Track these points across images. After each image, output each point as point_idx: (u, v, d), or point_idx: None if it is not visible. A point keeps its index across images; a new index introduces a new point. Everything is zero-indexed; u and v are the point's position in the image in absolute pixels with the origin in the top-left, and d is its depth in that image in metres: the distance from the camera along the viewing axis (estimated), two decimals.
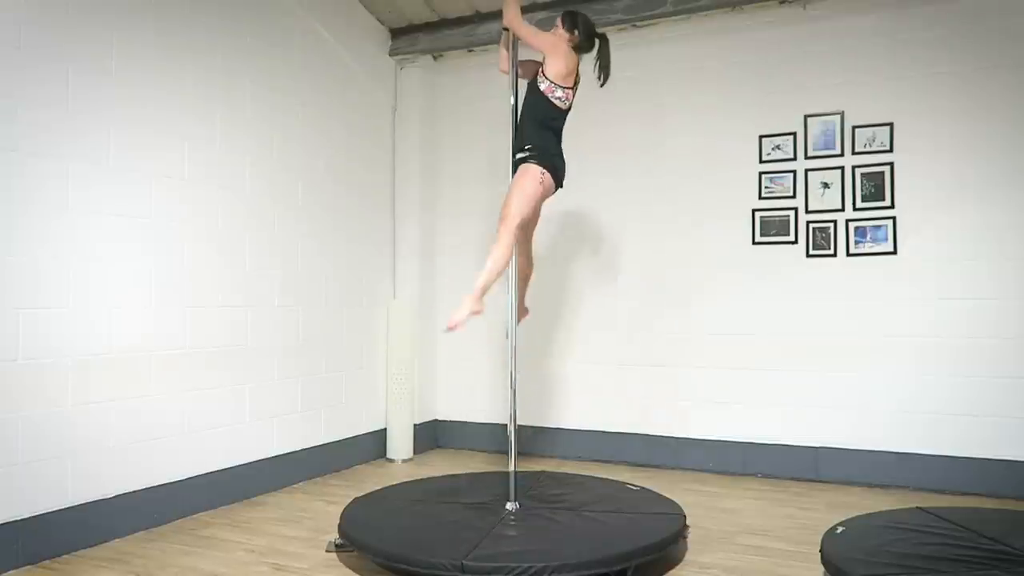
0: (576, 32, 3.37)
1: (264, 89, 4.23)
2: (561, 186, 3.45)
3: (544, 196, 3.39)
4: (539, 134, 3.35)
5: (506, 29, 3.46)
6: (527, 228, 3.55)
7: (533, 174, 3.30)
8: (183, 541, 3.34)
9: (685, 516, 3.25)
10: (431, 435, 5.40)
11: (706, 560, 3.08)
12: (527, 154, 3.33)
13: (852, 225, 4.34)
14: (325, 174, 4.69)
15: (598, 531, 3.06)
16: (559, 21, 3.40)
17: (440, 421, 5.46)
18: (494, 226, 3.29)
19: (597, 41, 3.43)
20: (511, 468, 3.37)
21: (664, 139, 4.82)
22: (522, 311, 3.71)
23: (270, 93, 4.27)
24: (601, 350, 4.95)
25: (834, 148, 4.40)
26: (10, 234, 2.99)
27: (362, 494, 3.70)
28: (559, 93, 3.32)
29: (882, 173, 4.29)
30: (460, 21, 5.07)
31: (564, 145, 3.46)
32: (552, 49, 3.31)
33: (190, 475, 3.71)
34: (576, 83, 3.42)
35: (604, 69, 3.43)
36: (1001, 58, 4.06)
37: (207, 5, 3.88)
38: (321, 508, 3.87)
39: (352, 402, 4.84)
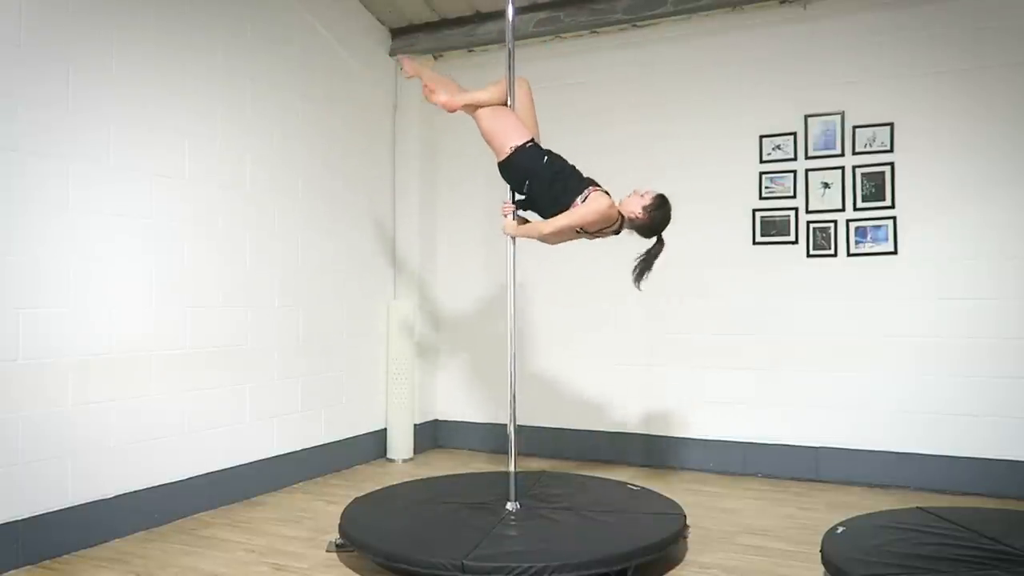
0: (650, 215, 3.22)
1: (264, 88, 4.23)
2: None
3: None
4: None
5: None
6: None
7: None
8: (183, 541, 3.34)
9: (685, 516, 3.25)
10: (431, 435, 5.40)
11: (706, 560, 3.08)
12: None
13: (852, 225, 4.34)
14: (325, 174, 4.68)
15: (598, 531, 3.06)
16: (647, 193, 3.24)
17: (440, 421, 5.46)
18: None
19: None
20: (511, 468, 3.37)
21: (664, 139, 4.82)
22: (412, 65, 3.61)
23: (270, 92, 4.27)
24: (601, 350, 4.94)
25: (834, 148, 4.40)
26: (10, 234, 2.99)
27: (362, 494, 3.70)
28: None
29: (882, 173, 4.29)
30: (460, 21, 5.07)
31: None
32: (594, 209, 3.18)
33: (190, 475, 3.71)
34: (615, 232, 3.32)
35: (645, 267, 3.27)
36: (1001, 57, 4.06)
37: (207, 4, 3.88)
38: (321, 508, 3.87)
39: (352, 402, 4.84)
